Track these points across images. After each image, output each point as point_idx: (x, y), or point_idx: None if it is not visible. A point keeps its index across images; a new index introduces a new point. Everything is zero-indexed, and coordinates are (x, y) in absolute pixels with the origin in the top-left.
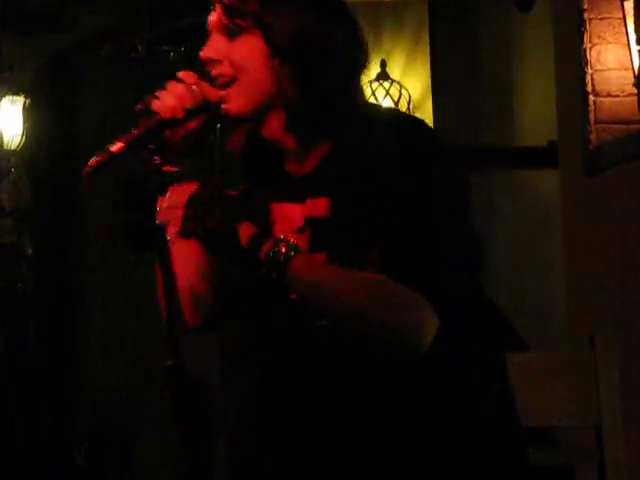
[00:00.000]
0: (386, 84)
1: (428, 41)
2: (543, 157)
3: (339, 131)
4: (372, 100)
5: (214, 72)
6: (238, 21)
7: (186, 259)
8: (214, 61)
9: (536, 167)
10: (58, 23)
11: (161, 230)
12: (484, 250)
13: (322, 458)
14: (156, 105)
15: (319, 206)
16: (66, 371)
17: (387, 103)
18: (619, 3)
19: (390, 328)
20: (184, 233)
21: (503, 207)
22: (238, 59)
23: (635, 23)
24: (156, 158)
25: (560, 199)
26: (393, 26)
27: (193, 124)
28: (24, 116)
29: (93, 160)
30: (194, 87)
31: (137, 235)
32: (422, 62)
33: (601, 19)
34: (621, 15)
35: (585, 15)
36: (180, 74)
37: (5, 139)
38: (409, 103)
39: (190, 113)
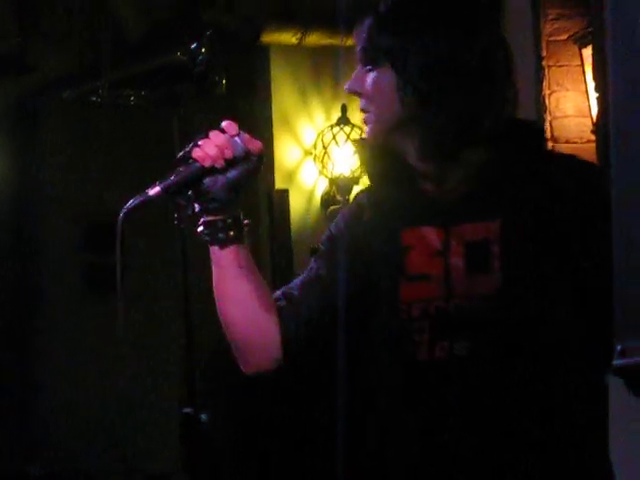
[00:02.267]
0: (347, 128)
1: None
2: None
3: (486, 151)
4: (333, 144)
5: (360, 105)
6: (371, 55)
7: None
8: (356, 93)
9: None
10: (19, 66)
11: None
12: None
13: None
14: (197, 153)
15: (479, 229)
16: (26, 406)
17: (348, 147)
18: (577, 51)
19: None
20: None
21: None
22: (370, 92)
23: (593, 71)
24: (195, 206)
25: None
26: (353, 71)
27: (233, 174)
28: None
29: (130, 202)
30: (236, 138)
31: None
32: None
33: (559, 66)
34: (579, 62)
35: (544, 62)
36: (223, 124)
37: None
38: None
39: (230, 163)
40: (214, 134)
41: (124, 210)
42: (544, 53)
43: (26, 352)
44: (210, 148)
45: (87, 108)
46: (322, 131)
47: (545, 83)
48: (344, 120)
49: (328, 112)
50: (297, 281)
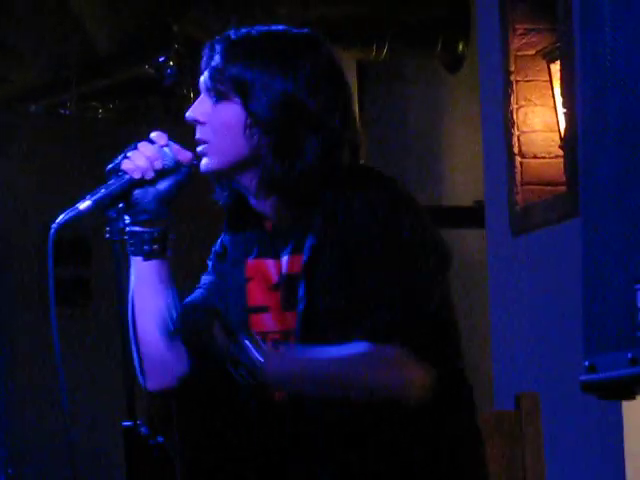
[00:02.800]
0: None
1: (357, 100)
2: (470, 217)
3: (313, 195)
4: None
5: (196, 135)
6: (220, 86)
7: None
8: (198, 122)
9: (463, 227)
10: None
11: (121, 280)
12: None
13: None
14: (126, 165)
15: (293, 264)
16: None
17: None
18: (545, 66)
19: (377, 391)
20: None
21: None
22: (218, 124)
23: (562, 86)
24: (125, 217)
25: (486, 259)
26: None
27: (163, 185)
28: None
29: (61, 217)
30: (165, 149)
31: (71, 289)
32: None
33: (528, 81)
34: (547, 78)
35: (512, 77)
36: (152, 135)
37: None
38: None
39: (160, 174)
40: (143, 145)
41: (55, 225)
42: (512, 68)
43: None
44: (139, 159)
45: (55, 121)
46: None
47: (513, 98)
48: None
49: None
50: (193, 298)
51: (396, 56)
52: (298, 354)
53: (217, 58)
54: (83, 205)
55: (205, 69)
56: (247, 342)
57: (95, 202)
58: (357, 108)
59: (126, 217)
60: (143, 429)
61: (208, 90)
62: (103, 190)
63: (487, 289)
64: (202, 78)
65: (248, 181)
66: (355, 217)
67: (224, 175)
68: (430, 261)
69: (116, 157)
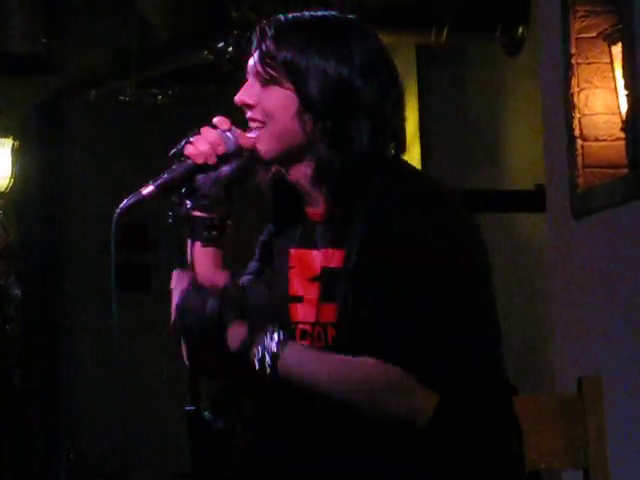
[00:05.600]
0: None
1: (416, 85)
2: (531, 200)
3: (363, 186)
4: None
5: (247, 115)
6: (271, 71)
7: None
8: (247, 105)
9: (524, 210)
10: (47, 66)
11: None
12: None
13: None
14: (189, 150)
15: (336, 257)
16: (55, 415)
17: None
18: (607, 48)
19: (380, 413)
20: (175, 330)
21: (491, 250)
22: (268, 107)
23: (623, 68)
24: (187, 203)
25: (548, 242)
26: None
27: (225, 169)
28: (13, 159)
29: (124, 202)
30: (228, 133)
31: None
32: (410, 106)
33: (589, 64)
34: (609, 60)
35: (573, 60)
36: (214, 120)
37: None
38: None
39: (223, 159)
40: (206, 130)
41: (118, 211)
42: (573, 50)
43: (54, 350)
44: (202, 144)
45: (114, 108)
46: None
47: (574, 81)
48: None
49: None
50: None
51: (455, 40)
52: (317, 354)
53: (268, 42)
54: (146, 190)
55: (254, 53)
56: (270, 330)
57: (158, 187)
58: (417, 92)
59: (188, 202)
60: (205, 414)
61: (257, 74)
62: (166, 175)
63: (549, 272)
64: (251, 62)
65: (301, 171)
66: (399, 220)
67: (279, 163)
68: (471, 278)
69: (178, 143)
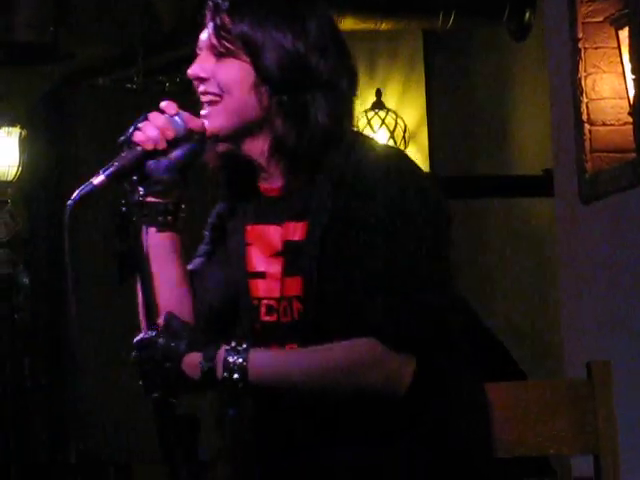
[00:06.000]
0: (382, 113)
1: (423, 70)
2: (538, 185)
3: (321, 159)
4: (368, 129)
5: (200, 89)
6: (227, 43)
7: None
8: (201, 79)
9: (532, 195)
10: (53, 54)
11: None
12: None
13: None
14: (138, 136)
15: (298, 230)
16: (62, 404)
17: (383, 132)
18: (614, 32)
19: (362, 391)
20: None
21: (498, 236)
22: (224, 79)
23: (630, 52)
24: (140, 189)
25: (555, 227)
26: (388, 55)
27: (176, 154)
28: (20, 147)
29: (75, 193)
30: (176, 117)
31: (123, 263)
32: (417, 91)
33: (596, 48)
34: (616, 44)
35: (580, 44)
36: (162, 105)
37: (1, 170)
38: (405, 132)
39: (172, 144)
40: (153, 115)
41: (70, 202)
42: (580, 35)
43: (60, 339)
44: (150, 130)
45: (122, 95)
46: (357, 116)
47: (581, 65)
48: (379, 105)
49: (363, 97)
50: (194, 266)
51: (462, 25)
52: (282, 353)
53: (223, 15)
54: (97, 180)
55: (208, 27)
56: (223, 351)
57: (109, 176)
58: (424, 78)
59: (140, 189)
60: (172, 400)
61: (212, 47)
62: (116, 163)
63: (556, 257)
64: (203, 36)
65: (257, 146)
66: (364, 187)
67: (233, 139)
68: (437, 242)
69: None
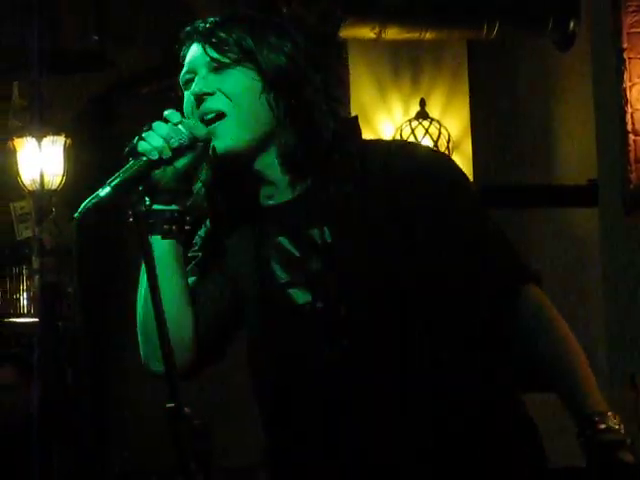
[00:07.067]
0: (425, 123)
1: (467, 80)
2: (583, 196)
3: (324, 163)
4: (411, 139)
5: (204, 106)
6: (230, 54)
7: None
8: (206, 94)
9: (576, 206)
10: (98, 63)
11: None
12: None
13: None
14: (143, 146)
15: (320, 233)
16: (106, 414)
17: (426, 142)
18: None
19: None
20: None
21: (542, 246)
22: (232, 89)
23: None
24: (146, 199)
25: (599, 238)
26: (432, 65)
27: (181, 163)
28: (65, 156)
29: (82, 205)
30: (180, 126)
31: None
32: (461, 101)
33: None
34: None
35: (625, 54)
36: (165, 113)
37: (46, 179)
38: (448, 142)
39: (177, 152)
40: (157, 125)
41: (78, 215)
42: (625, 45)
43: (105, 348)
44: (155, 140)
45: (165, 103)
46: (401, 126)
47: (626, 75)
48: (423, 114)
49: (407, 106)
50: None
51: (507, 35)
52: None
53: (216, 33)
54: (103, 192)
55: (195, 51)
56: None
57: (114, 187)
58: (468, 88)
59: (147, 199)
60: (186, 409)
61: (209, 63)
62: (121, 175)
63: (600, 268)
64: (191, 62)
65: (268, 160)
66: (402, 171)
67: (244, 157)
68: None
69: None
